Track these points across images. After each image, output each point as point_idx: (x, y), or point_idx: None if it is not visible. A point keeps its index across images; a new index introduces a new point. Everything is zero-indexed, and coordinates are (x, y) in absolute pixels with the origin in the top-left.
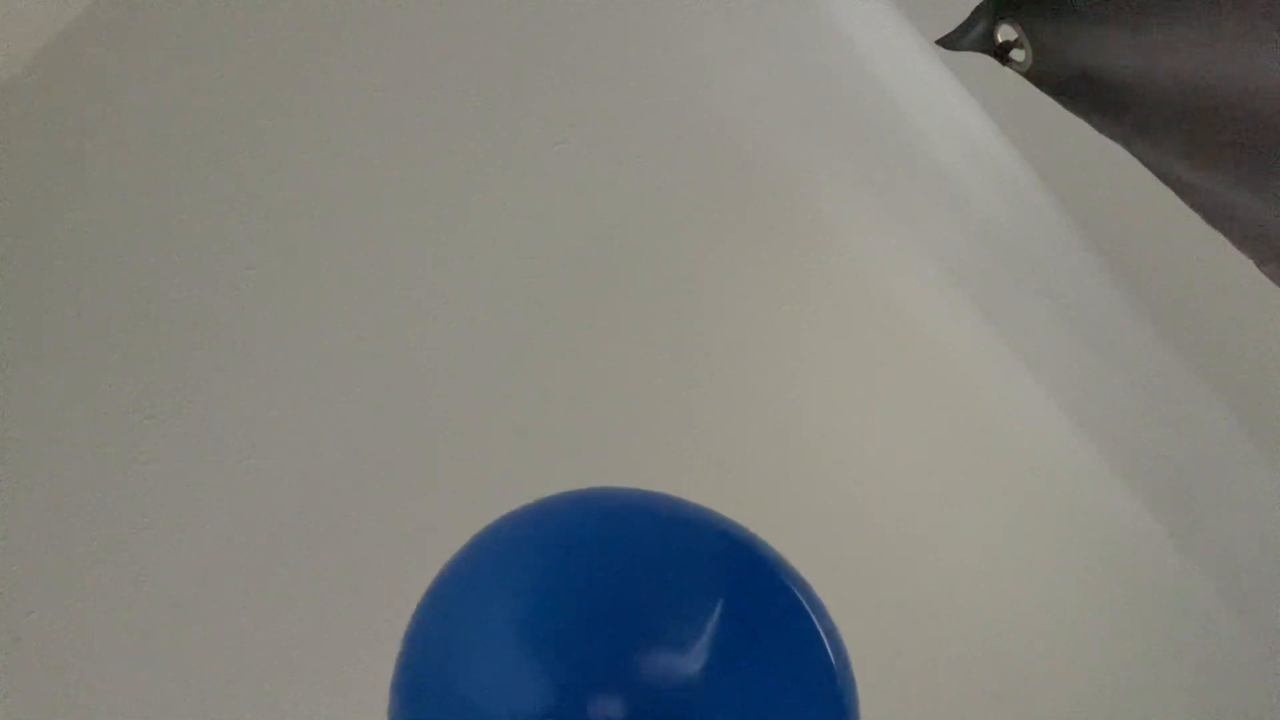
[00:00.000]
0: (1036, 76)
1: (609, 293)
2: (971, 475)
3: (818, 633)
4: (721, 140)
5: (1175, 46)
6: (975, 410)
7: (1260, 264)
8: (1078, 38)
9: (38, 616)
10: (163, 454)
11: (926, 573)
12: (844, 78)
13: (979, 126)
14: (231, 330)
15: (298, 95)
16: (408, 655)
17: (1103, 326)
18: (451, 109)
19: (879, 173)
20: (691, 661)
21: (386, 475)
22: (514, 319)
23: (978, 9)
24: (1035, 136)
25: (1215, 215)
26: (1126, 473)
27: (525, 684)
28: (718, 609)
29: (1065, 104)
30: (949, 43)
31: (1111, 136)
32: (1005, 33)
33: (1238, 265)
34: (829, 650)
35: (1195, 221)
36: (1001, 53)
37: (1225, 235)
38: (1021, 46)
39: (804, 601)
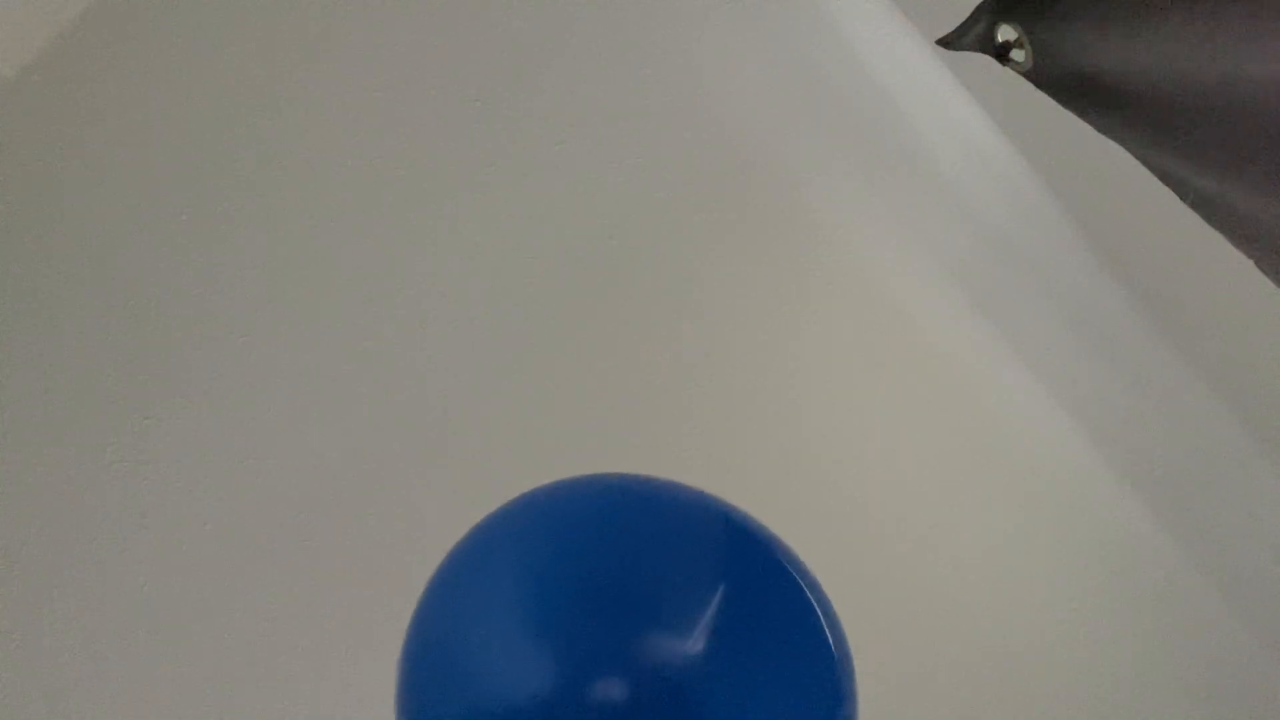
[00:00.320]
0: (1036, 76)
1: (609, 292)
2: (971, 474)
3: (817, 617)
4: (721, 140)
5: (1176, 46)
6: (975, 410)
7: (1260, 264)
8: (1078, 38)
9: (37, 617)
10: (163, 454)
11: (925, 572)
12: (844, 78)
13: (979, 126)
14: (231, 330)
15: (298, 94)
16: (414, 639)
17: (1103, 326)
18: (451, 109)
19: (879, 173)
20: (692, 644)
21: (387, 473)
22: (514, 318)
23: (978, 9)
24: (1035, 136)
25: (1215, 215)
26: (1126, 473)
27: (529, 666)
28: (718, 592)
29: (1065, 104)
30: (949, 43)
31: (1111, 136)
32: (1005, 33)
33: (1238, 265)
34: (828, 635)
35: (1195, 221)
36: (1001, 53)
37: (1225, 235)
38: (1021, 46)
39: (804, 586)
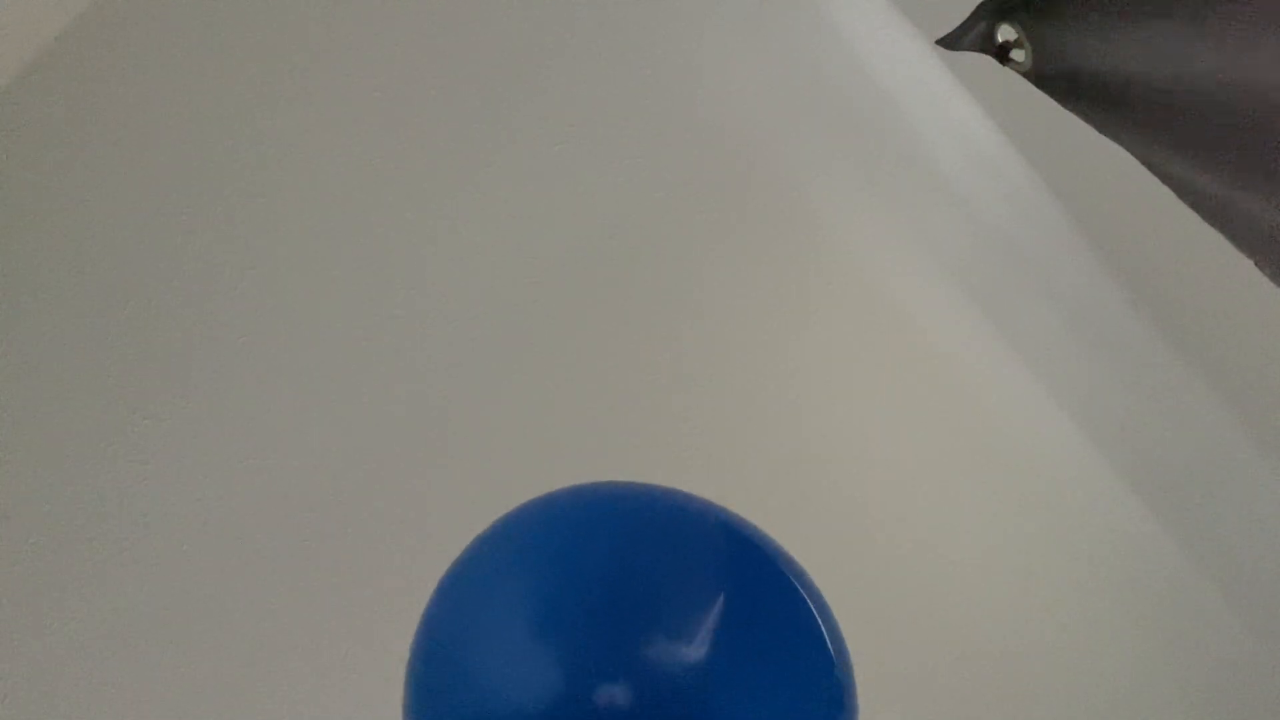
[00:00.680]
0: (1036, 76)
1: (609, 293)
2: (971, 474)
3: (817, 624)
4: (721, 140)
5: (1176, 46)
6: (975, 410)
7: (1260, 264)
8: (1078, 38)
9: (38, 617)
10: (163, 454)
11: (925, 572)
12: (844, 78)
13: (979, 126)
14: (232, 330)
15: (297, 95)
16: (422, 643)
17: (1103, 326)
18: (451, 109)
19: (879, 173)
20: (694, 651)
21: (388, 473)
22: (514, 317)
23: (978, 9)
24: (1035, 136)
25: (1215, 215)
26: (1126, 472)
27: (535, 672)
28: (720, 600)
29: (1065, 104)
30: (949, 43)
31: (1111, 136)
32: (1005, 33)
33: (1238, 265)
34: (828, 642)
35: (1195, 221)
36: (1001, 53)
37: (1225, 235)
38: (1021, 46)
39: (803, 593)
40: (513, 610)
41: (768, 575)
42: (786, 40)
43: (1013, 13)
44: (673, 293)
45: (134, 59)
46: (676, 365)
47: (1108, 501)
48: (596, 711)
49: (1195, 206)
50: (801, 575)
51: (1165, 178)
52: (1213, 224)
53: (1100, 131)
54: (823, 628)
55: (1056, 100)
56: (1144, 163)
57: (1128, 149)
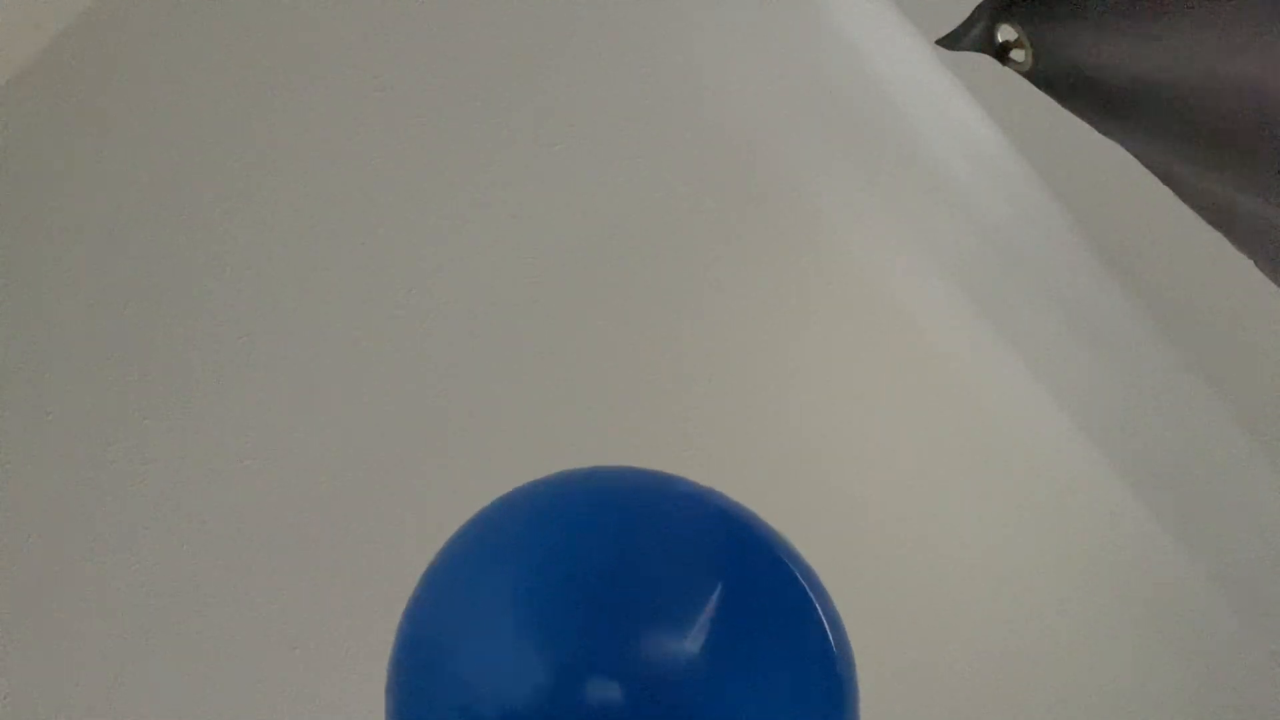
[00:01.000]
0: (1036, 76)
1: (607, 293)
2: (970, 474)
3: (818, 615)
4: (720, 140)
5: (1175, 46)
6: (974, 409)
7: (1260, 264)
8: (1078, 38)
9: (38, 617)
10: (163, 454)
11: (924, 571)
12: (844, 78)
13: (979, 126)
14: (232, 330)
15: (297, 95)
16: (405, 636)
17: (1103, 326)
18: (450, 109)
19: (879, 173)
20: (690, 642)
21: (389, 472)
22: (513, 318)
23: (978, 9)
24: (1035, 136)
25: (1215, 215)
26: (1126, 472)
27: (524, 664)
28: (717, 589)
29: (1065, 104)
30: (949, 43)
31: (1111, 136)
32: (1005, 33)
33: (1238, 265)
34: (829, 634)
35: (1195, 221)
36: (1001, 53)
37: (1225, 235)
38: (1021, 46)
39: (804, 583)
40: (499, 601)
41: (767, 565)
42: (786, 40)
43: (1013, 13)
44: (672, 293)
45: (134, 59)
46: (675, 365)
47: (1107, 501)
48: (587, 706)
49: (1195, 206)
50: (802, 565)
51: (1165, 178)
52: (1213, 224)
53: (1100, 131)
54: (824, 620)
55: (1056, 100)
56: (1144, 163)
57: (1127, 149)
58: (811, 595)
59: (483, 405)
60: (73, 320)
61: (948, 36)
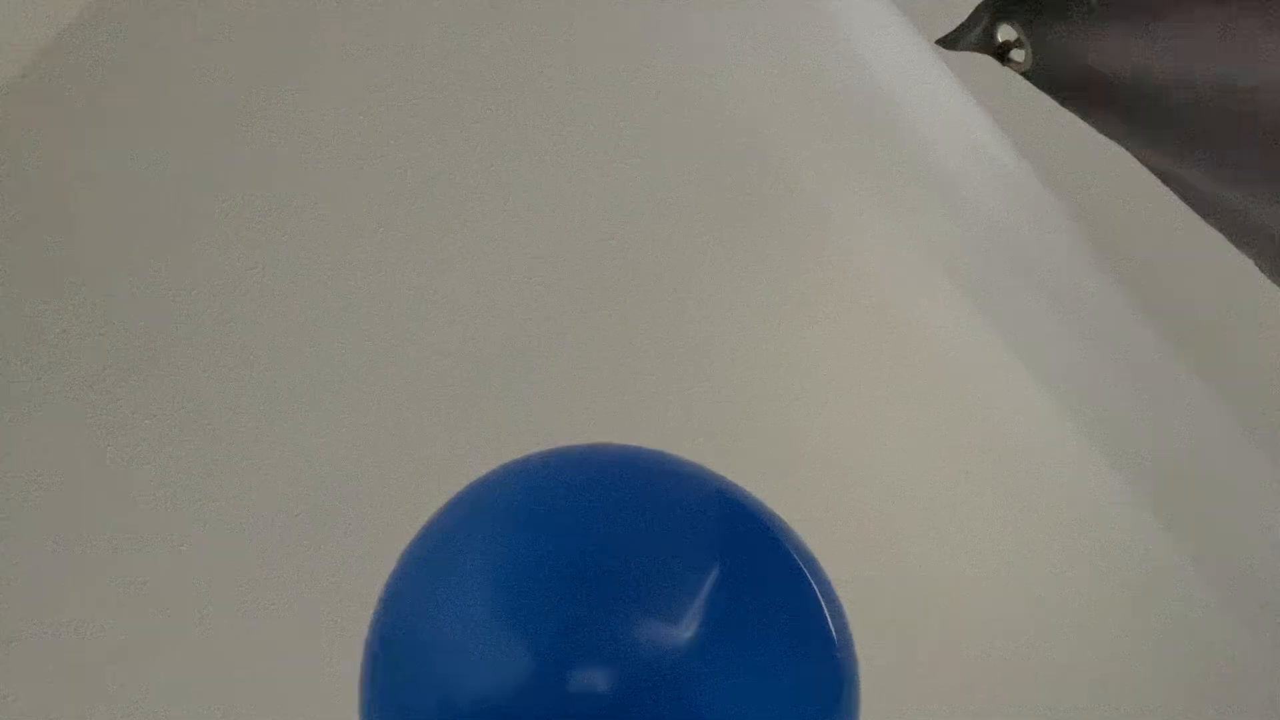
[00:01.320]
0: (1036, 76)
1: (607, 292)
2: (970, 474)
3: (817, 599)
4: (721, 140)
5: (1175, 46)
6: (974, 409)
7: (1260, 264)
8: (1078, 38)
9: (36, 617)
10: (163, 454)
11: (923, 571)
12: (844, 78)
13: (979, 126)
14: (232, 330)
15: (298, 95)
16: (382, 622)
17: (1102, 326)
18: (452, 110)
19: (879, 172)
20: (684, 629)
21: (390, 472)
22: (515, 318)
23: (978, 9)
24: (1035, 136)
25: (1215, 214)
26: (1126, 472)
27: (507, 652)
28: (712, 573)
29: (1065, 104)
30: (949, 43)
31: (1111, 136)
32: (1005, 33)
33: (1238, 265)
34: (829, 618)
35: (1195, 221)
36: (1001, 53)
37: (1225, 235)
38: (1021, 46)
39: (803, 567)
40: (480, 584)
41: (766, 549)
42: (787, 41)
43: (1013, 13)
44: (672, 292)
45: (134, 59)
46: (674, 365)
47: (1107, 500)
48: (575, 697)
49: (1195, 206)
50: (801, 548)
51: (1165, 177)
52: (1212, 223)
53: (1100, 131)
54: (823, 604)
55: (1056, 100)
56: (1144, 163)
57: (1127, 149)
58: (811, 580)
59: (483, 403)
60: (73, 319)
61: (948, 36)
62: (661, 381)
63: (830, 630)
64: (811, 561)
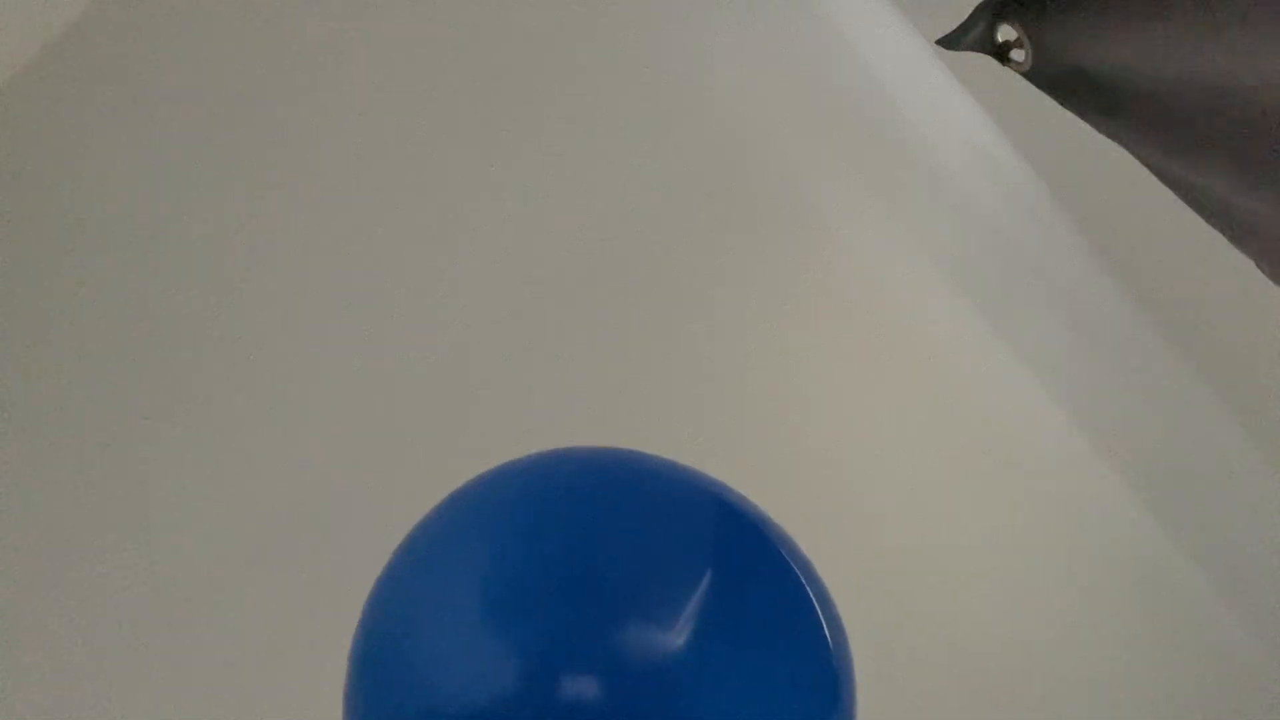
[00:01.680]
0: (1036, 76)
1: (607, 292)
2: (970, 474)
3: (813, 607)
4: (721, 140)
5: (1175, 46)
6: (974, 409)
7: (1260, 264)
8: (1078, 38)
9: (37, 617)
10: (163, 454)
11: (923, 571)
12: (844, 78)
13: (979, 126)
14: (232, 331)
15: (298, 96)
16: (367, 627)
17: (1102, 326)
18: (450, 112)
19: (879, 173)
20: (675, 634)
21: (389, 471)
22: (515, 318)
23: (978, 9)
24: (1035, 136)
25: (1215, 215)
26: (1126, 472)
27: (495, 658)
28: (706, 578)
29: (1065, 104)
30: (949, 43)
31: (1111, 136)
32: (1005, 33)
33: (1238, 265)
34: (824, 624)
35: (1195, 221)
36: (1001, 53)
37: (1225, 235)
38: (1021, 46)
39: (798, 571)
40: (471, 590)
41: (761, 553)
42: (788, 41)
43: (1013, 13)
44: (672, 293)
45: (133, 60)
46: (674, 366)
47: (1107, 500)
48: (564, 703)
49: (1195, 206)
50: (795, 551)
51: (1165, 177)
52: (1212, 224)
53: (1100, 131)
54: (819, 612)
55: (1056, 100)
56: (1144, 162)
57: (1127, 149)
58: (807, 586)
59: (484, 403)
60: (73, 319)
61: (948, 36)
62: (659, 382)
63: (826, 635)
64: (807, 566)
